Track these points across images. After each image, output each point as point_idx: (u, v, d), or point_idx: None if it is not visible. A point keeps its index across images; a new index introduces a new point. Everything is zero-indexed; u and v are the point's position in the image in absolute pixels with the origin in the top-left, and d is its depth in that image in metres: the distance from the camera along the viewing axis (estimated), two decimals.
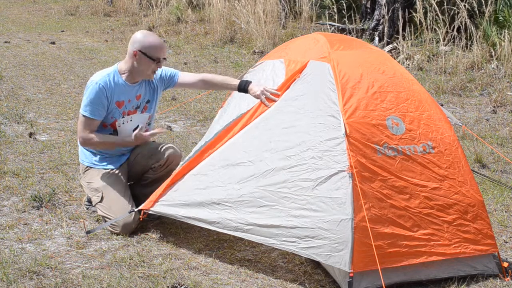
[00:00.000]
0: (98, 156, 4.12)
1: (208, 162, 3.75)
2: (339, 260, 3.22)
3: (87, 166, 4.14)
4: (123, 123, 4.06)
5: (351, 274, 3.20)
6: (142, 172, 4.19)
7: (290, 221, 3.35)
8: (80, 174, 4.26)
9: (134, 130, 4.12)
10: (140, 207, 3.82)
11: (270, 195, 3.44)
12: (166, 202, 3.73)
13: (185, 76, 4.26)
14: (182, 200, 3.68)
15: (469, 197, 3.54)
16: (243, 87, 3.99)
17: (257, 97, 3.87)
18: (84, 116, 3.96)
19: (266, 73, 4.18)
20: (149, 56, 3.92)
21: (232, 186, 3.56)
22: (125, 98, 4.03)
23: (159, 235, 3.92)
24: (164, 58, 4.02)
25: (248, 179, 3.53)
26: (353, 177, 3.27)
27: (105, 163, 4.11)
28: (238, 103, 4.22)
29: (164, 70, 4.21)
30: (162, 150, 4.12)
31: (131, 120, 4.08)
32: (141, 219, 3.89)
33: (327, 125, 3.46)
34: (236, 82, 4.09)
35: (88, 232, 3.87)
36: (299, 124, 3.58)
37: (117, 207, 3.92)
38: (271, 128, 3.68)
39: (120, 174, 4.10)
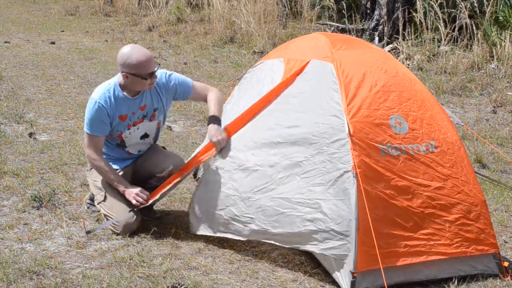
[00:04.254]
0: (105, 156, 4.09)
1: (219, 170, 3.75)
2: (350, 260, 3.24)
3: None
4: (129, 134, 4.02)
5: (355, 274, 3.20)
6: (146, 178, 4.13)
7: (307, 226, 3.39)
8: (87, 170, 4.25)
9: (142, 139, 4.08)
10: (140, 206, 3.85)
11: (286, 203, 3.47)
12: (195, 228, 3.84)
13: (198, 88, 4.12)
14: (207, 225, 3.78)
15: (472, 196, 3.54)
16: (208, 122, 3.93)
17: (211, 138, 3.82)
18: (87, 133, 3.93)
19: (265, 72, 4.18)
20: (139, 76, 3.81)
21: (247, 195, 3.59)
22: (128, 111, 3.95)
23: (159, 235, 3.92)
24: (158, 65, 3.89)
25: (263, 187, 3.55)
26: (357, 177, 3.27)
27: (110, 162, 4.07)
28: (237, 102, 4.22)
29: (178, 78, 4.06)
30: (167, 161, 4.06)
31: (137, 129, 4.03)
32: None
33: (331, 126, 3.45)
34: (210, 113, 3.97)
35: (88, 232, 3.87)
36: (301, 124, 3.57)
37: (119, 208, 3.91)
38: (272, 127, 3.67)
39: (124, 175, 4.08)
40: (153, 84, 3.91)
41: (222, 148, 3.77)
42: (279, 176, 3.51)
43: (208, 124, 3.92)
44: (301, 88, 3.75)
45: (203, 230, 3.80)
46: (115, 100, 3.90)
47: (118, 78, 3.95)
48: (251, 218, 3.57)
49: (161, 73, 4.03)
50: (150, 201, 3.93)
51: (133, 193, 3.89)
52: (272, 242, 3.56)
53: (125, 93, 3.93)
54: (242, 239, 3.66)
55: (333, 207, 3.32)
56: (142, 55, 3.78)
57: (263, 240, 3.62)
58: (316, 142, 3.46)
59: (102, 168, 3.94)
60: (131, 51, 3.81)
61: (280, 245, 3.56)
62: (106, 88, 3.93)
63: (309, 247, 3.42)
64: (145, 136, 4.09)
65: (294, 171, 3.48)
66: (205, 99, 4.13)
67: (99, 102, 3.87)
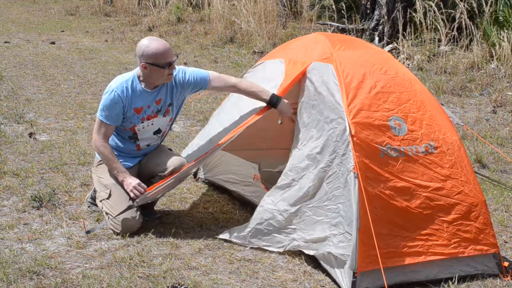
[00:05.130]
0: (116, 153, 4.07)
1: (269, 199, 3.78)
2: (351, 260, 3.24)
3: (101, 160, 4.12)
4: (143, 128, 4.04)
5: (356, 274, 3.21)
6: (149, 176, 4.13)
7: (332, 231, 3.41)
8: (93, 166, 4.25)
9: (155, 134, 4.10)
10: (137, 201, 3.88)
11: (319, 210, 3.51)
12: (238, 235, 3.87)
13: (216, 78, 4.10)
14: (240, 233, 3.86)
15: (472, 196, 3.54)
16: (274, 103, 3.91)
17: (286, 115, 3.92)
18: (99, 119, 3.97)
19: (266, 74, 4.17)
20: (157, 65, 3.86)
21: (285, 208, 3.65)
22: (144, 104, 3.98)
23: (159, 235, 3.92)
24: (176, 57, 3.95)
25: (299, 198, 3.60)
26: (358, 178, 3.28)
27: (120, 160, 4.08)
28: (237, 102, 4.22)
29: (194, 73, 4.08)
30: (169, 162, 4.05)
31: (152, 124, 4.05)
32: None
33: (340, 128, 3.46)
34: (266, 96, 3.93)
35: (88, 232, 3.87)
36: (322, 133, 3.56)
37: (121, 207, 3.90)
38: (303, 142, 3.67)
39: (130, 173, 4.07)
40: (172, 76, 3.95)
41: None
42: (310, 184, 3.55)
43: (274, 104, 3.89)
44: (308, 91, 3.74)
45: (235, 238, 3.87)
46: (132, 92, 3.94)
47: (137, 70, 4.00)
48: (294, 228, 3.63)
49: (178, 69, 4.06)
50: (148, 194, 3.92)
51: (131, 185, 3.91)
52: (306, 251, 3.59)
53: (143, 85, 3.96)
54: (280, 250, 3.70)
55: (345, 208, 3.34)
56: (160, 45, 3.87)
57: (301, 250, 3.65)
58: (332, 146, 3.47)
59: (107, 155, 3.97)
60: (149, 42, 3.90)
61: (311, 253, 3.57)
62: (125, 78, 3.98)
63: (325, 249, 3.44)
64: (158, 131, 4.13)
65: (319, 176, 3.51)
66: (231, 89, 4.15)
67: (115, 91, 3.91)
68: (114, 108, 3.92)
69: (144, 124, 4.03)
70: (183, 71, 4.08)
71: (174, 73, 4.01)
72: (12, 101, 7.14)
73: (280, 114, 3.97)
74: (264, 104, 3.92)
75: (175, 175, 3.94)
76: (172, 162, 4.04)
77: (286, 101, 3.92)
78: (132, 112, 3.97)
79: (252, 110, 3.97)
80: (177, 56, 4.01)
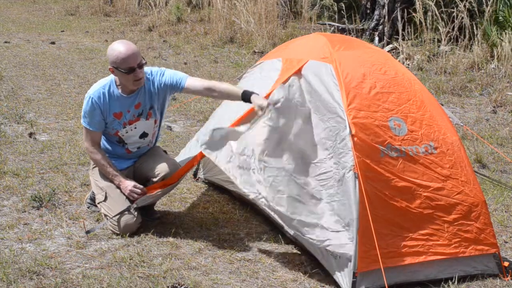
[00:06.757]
0: (108, 155, 4.08)
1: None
2: (351, 260, 3.24)
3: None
4: (126, 132, 4.03)
5: (356, 274, 3.21)
6: (143, 180, 4.12)
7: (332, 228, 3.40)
8: (90, 169, 4.25)
9: (141, 138, 4.08)
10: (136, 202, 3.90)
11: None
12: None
13: (192, 82, 3.97)
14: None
15: (473, 196, 3.54)
16: (248, 98, 3.78)
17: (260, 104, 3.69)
18: (83, 126, 3.99)
19: (263, 73, 4.18)
20: (121, 70, 3.80)
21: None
22: (123, 109, 3.96)
23: (159, 235, 3.92)
24: (140, 65, 3.80)
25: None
26: (358, 177, 3.28)
27: (113, 161, 4.07)
28: (238, 102, 4.22)
29: (171, 75, 3.97)
30: (162, 167, 4.04)
31: (135, 128, 4.03)
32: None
33: (337, 127, 3.46)
34: (238, 93, 3.82)
35: (88, 232, 3.87)
36: (316, 132, 3.55)
37: (119, 208, 3.91)
38: (306, 140, 3.63)
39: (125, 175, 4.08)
40: (141, 81, 3.86)
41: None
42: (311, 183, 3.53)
43: (247, 98, 3.76)
44: (300, 89, 3.73)
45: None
46: (109, 97, 3.93)
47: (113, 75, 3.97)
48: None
49: (156, 70, 4.00)
50: (147, 197, 3.93)
51: (128, 189, 3.93)
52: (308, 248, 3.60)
53: (120, 91, 3.94)
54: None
55: (342, 207, 3.34)
56: (124, 50, 3.78)
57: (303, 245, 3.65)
58: (327, 144, 3.47)
59: (99, 161, 4.00)
60: (115, 46, 3.84)
61: (308, 248, 3.59)
62: (102, 84, 3.96)
63: (325, 245, 3.43)
64: (144, 135, 4.09)
65: (309, 171, 3.50)
66: (206, 91, 3.95)
67: (92, 98, 3.91)
68: (94, 115, 3.92)
69: (126, 129, 4.01)
70: (162, 72, 3.98)
71: (151, 77, 3.94)
72: (12, 101, 7.14)
73: (255, 107, 3.74)
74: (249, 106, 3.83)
75: (169, 185, 3.96)
76: (163, 168, 4.03)
77: (257, 94, 3.76)
78: (112, 117, 3.96)
79: (239, 110, 3.94)
80: (145, 61, 3.92)
